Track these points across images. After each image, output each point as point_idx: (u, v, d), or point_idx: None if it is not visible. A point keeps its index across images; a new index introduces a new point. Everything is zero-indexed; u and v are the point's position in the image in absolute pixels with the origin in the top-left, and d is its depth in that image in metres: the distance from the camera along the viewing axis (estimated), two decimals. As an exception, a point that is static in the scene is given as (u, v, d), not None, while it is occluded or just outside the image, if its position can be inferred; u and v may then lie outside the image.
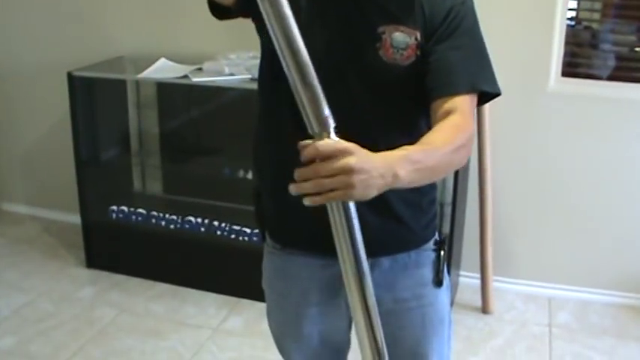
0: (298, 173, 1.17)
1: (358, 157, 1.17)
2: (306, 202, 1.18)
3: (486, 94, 1.47)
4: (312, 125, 1.16)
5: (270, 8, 1.14)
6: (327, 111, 1.16)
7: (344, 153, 1.15)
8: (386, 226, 1.53)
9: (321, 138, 1.16)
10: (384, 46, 1.42)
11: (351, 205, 1.21)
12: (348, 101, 1.44)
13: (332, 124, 1.16)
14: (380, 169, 1.20)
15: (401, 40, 1.42)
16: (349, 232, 1.22)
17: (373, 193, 1.21)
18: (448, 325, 1.68)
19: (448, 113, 1.39)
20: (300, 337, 1.66)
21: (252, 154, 1.65)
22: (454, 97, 1.41)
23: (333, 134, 1.16)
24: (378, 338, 1.29)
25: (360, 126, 1.41)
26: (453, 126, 1.38)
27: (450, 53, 1.42)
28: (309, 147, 1.16)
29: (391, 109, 1.47)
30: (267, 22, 1.14)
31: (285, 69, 1.14)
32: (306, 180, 1.17)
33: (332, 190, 1.16)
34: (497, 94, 1.48)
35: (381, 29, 1.42)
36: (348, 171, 1.15)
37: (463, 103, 1.41)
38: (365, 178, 1.17)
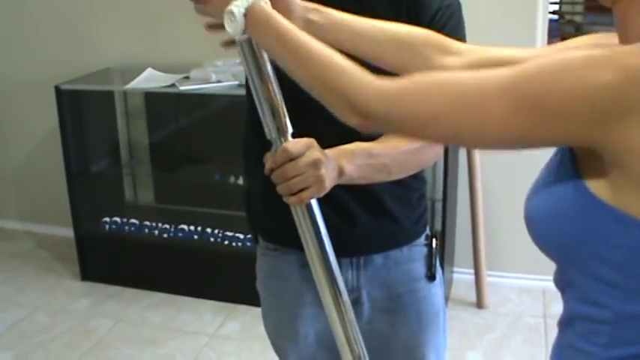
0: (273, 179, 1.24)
1: (319, 149, 1.22)
2: (289, 202, 1.25)
3: None
4: (271, 131, 1.21)
5: None
6: (285, 118, 1.21)
7: (309, 147, 1.21)
8: (377, 223, 1.54)
9: (279, 144, 1.22)
10: None
11: (314, 204, 1.25)
12: None
13: (290, 130, 1.21)
14: (332, 161, 1.25)
15: None
16: (315, 231, 1.27)
17: (331, 186, 1.26)
18: (443, 317, 1.70)
19: None
20: (296, 337, 1.67)
21: (242, 154, 1.66)
22: None
23: (290, 139, 1.22)
24: (351, 334, 1.32)
25: (346, 130, 1.44)
26: None
27: None
28: (279, 153, 1.21)
29: None
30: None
31: (247, 75, 1.20)
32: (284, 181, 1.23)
33: (303, 190, 1.22)
34: None
35: None
36: (317, 163, 1.20)
37: None
38: (328, 170, 1.23)
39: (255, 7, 1.10)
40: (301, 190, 1.23)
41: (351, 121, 1.00)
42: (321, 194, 1.25)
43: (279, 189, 1.24)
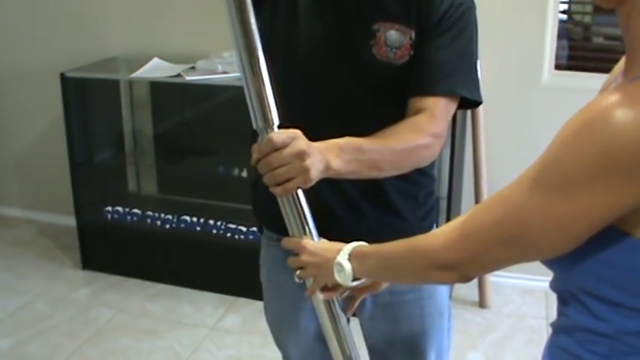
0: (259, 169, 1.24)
1: (304, 140, 1.22)
2: (275, 192, 1.26)
3: (467, 100, 1.46)
4: (257, 121, 1.22)
5: (232, 2, 1.19)
6: (273, 108, 1.23)
7: (294, 138, 1.21)
8: (382, 217, 1.53)
9: (265, 134, 1.23)
10: (377, 44, 1.41)
11: (301, 195, 1.26)
12: (342, 94, 1.45)
13: (276, 121, 1.22)
14: (319, 154, 1.25)
15: (395, 38, 1.41)
16: (300, 221, 1.29)
17: (317, 177, 1.25)
18: (448, 318, 1.68)
19: (417, 112, 1.41)
20: (297, 329, 1.66)
21: (249, 142, 1.65)
22: (429, 97, 1.41)
23: (276, 130, 1.23)
24: (342, 333, 1.32)
25: (351, 119, 1.44)
26: (414, 125, 1.39)
27: (435, 52, 1.41)
28: (263, 143, 1.22)
29: (383, 106, 1.46)
30: (227, 16, 1.19)
31: (238, 64, 1.21)
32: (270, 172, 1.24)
33: (289, 180, 1.23)
34: (477, 102, 1.47)
35: (376, 26, 1.42)
36: (302, 154, 1.20)
37: (436, 105, 1.40)
38: (314, 161, 1.23)
39: (354, 251, 1.24)
40: (287, 181, 1.23)
41: (450, 279, 1.11)
42: (307, 185, 1.25)
43: (265, 179, 1.25)
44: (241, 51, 1.21)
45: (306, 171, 1.22)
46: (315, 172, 1.23)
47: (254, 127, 1.24)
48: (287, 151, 1.20)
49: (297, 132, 1.23)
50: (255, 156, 1.24)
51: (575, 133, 0.86)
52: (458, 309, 3.26)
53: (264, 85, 1.22)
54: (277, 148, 1.20)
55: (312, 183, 1.25)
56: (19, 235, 4.10)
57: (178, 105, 3.77)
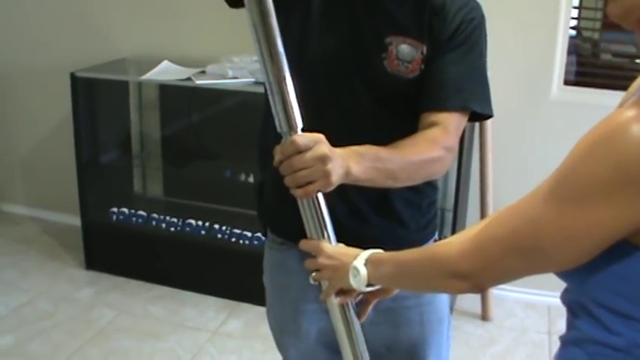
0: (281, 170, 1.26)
1: (327, 144, 1.24)
2: (296, 194, 1.27)
3: (478, 113, 1.48)
4: (281, 125, 1.24)
5: (256, 9, 1.21)
6: (296, 111, 1.24)
7: (317, 142, 1.23)
8: (385, 225, 1.55)
9: (288, 136, 1.24)
10: (389, 57, 1.43)
11: (321, 199, 1.28)
12: (352, 104, 1.47)
13: (300, 125, 1.24)
14: (340, 159, 1.26)
15: (407, 52, 1.43)
16: (319, 224, 1.30)
17: (338, 182, 1.27)
18: (447, 325, 1.69)
19: (431, 126, 1.43)
20: (298, 332, 1.67)
21: (257, 144, 1.66)
22: (442, 111, 1.43)
23: (300, 133, 1.24)
24: (353, 333, 1.34)
25: (361, 128, 1.45)
26: (429, 139, 1.41)
27: (447, 67, 1.44)
28: (287, 145, 1.23)
29: (393, 117, 1.48)
30: (249, 19, 1.21)
31: (262, 68, 1.22)
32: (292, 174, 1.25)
33: (310, 183, 1.24)
34: (489, 116, 1.49)
35: (388, 39, 1.44)
36: (324, 158, 1.22)
37: (449, 119, 1.43)
38: (335, 166, 1.25)
39: (370, 257, 1.25)
40: (308, 184, 1.24)
41: (463, 288, 1.09)
42: (328, 189, 1.26)
43: (287, 181, 1.26)
44: (264, 55, 1.21)
45: (327, 175, 1.23)
46: (336, 177, 1.25)
47: (278, 129, 1.25)
48: (310, 154, 1.22)
49: (321, 136, 1.24)
50: (277, 157, 1.25)
51: (591, 147, 0.87)
52: (460, 321, 3.25)
53: (287, 88, 1.23)
54: (300, 151, 1.22)
55: (333, 187, 1.26)
56: (24, 232, 4.11)
57: (187, 108, 3.78)
